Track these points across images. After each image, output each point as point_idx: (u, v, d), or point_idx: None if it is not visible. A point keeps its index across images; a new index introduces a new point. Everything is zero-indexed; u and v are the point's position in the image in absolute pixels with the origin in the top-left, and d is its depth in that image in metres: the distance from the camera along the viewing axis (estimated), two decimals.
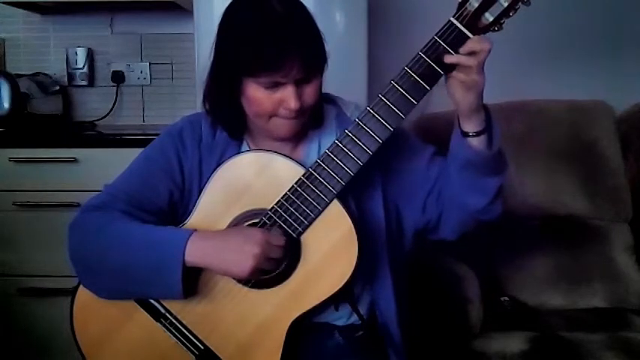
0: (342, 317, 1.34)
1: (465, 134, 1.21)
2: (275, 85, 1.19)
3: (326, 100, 1.35)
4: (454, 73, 1.16)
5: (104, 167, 1.86)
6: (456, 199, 1.28)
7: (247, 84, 1.20)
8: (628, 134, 2.19)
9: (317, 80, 1.23)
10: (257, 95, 1.20)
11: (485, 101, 1.21)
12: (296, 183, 1.21)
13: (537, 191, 2.09)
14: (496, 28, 1.17)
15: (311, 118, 1.29)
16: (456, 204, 1.29)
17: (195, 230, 1.20)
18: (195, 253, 1.17)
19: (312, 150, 1.33)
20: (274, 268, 1.21)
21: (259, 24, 1.17)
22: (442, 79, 1.18)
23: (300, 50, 1.17)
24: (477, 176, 1.24)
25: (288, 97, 1.19)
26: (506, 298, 1.99)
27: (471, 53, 1.14)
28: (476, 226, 1.35)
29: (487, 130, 1.22)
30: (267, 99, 1.20)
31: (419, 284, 1.59)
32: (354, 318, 1.33)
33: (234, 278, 1.23)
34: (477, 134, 1.21)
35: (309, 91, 1.22)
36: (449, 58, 1.15)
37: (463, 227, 1.34)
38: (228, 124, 1.31)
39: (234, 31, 1.21)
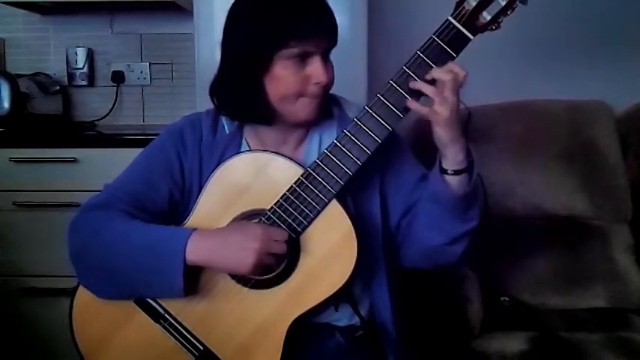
0: (344, 318, 1.34)
1: (443, 171, 1.21)
2: (303, 59, 1.21)
3: (329, 100, 1.35)
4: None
5: (104, 167, 1.85)
6: (417, 228, 1.29)
7: (276, 62, 1.21)
8: (628, 134, 2.19)
9: (330, 60, 1.26)
10: (286, 73, 1.21)
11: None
12: (295, 183, 1.21)
13: (537, 191, 2.09)
14: (494, 27, 1.18)
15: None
16: (416, 232, 1.29)
17: (196, 229, 1.20)
18: (196, 251, 1.17)
19: (313, 150, 1.33)
20: (277, 264, 1.21)
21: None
22: None
23: (328, 18, 1.23)
24: (440, 214, 1.24)
25: (317, 70, 1.21)
26: (506, 298, 1.99)
27: (434, 81, 1.16)
28: (432, 267, 1.35)
29: (468, 171, 1.21)
30: (295, 76, 1.21)
31: (419, 284, 1.59)
32: (356, 319, 1.33)
33: (235, 276, 1.24)
34: (455, 173, 1.21)
35: (331, 68, 1.25)
36: (413, 84, 1.17)
37: (419, 261, 1.34)
38: (254, 111, 1.28)
39: (257, 10, 1.22)
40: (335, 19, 1.25)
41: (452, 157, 1.20)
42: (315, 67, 1.21)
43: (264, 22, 1.20)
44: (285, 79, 1.22)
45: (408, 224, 1.32)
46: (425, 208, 1.27)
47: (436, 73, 1.16)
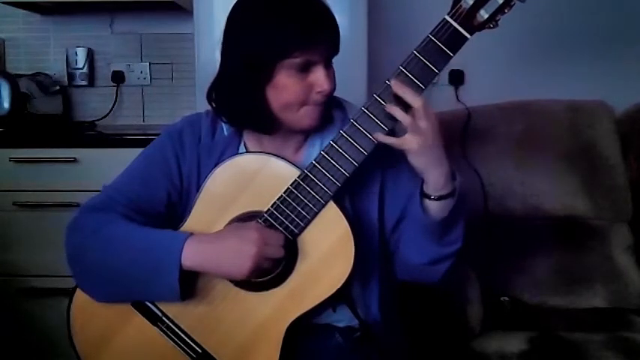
0: (343, 319, 1.33)
1: (425, 195, 1.20)
2: (306, 68, 1.19)
3: (333, 103, 1.34)
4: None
5: (104, 167, 1.85)
6: (402, 244, 1.29)
7: (279, 71, 1.19)
8: (628, 134, 2.18)
9: (332, 67, 1.25)
10: (288, 82, 1.20)
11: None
12: (292, 184, 1.20)
13: (537, 191, 2.08)
14: (491, 26, 1.17)
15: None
16: (401, 248, 1.29)
17: (192, 234, 1.20)
18: (192, 257, 1.17)
19: (313, 155, 1.30)
20: (274, 266, 1.21)
21: (287, 7, 1.19)
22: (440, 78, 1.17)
23: (331, 27, 1.21)
24: (420, 235, 1.24)
25: (320, 79, 1.20)
26: (506, 298, 1.99)
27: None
28: (417, 283, 1.34)
29: (451, 197, 1.19)
30: (298, 85, 1.20)
31: (419, 284, 1.59)
32: (354, 320, 1.32)
33: (233, 280, 1.23)
34: (438, 198, 1.19)
35: (333, 76, 1.24)
36: (389, 109, 1.15)
37: (406, 273, 1.34)
38: (255, 120, 1.27)
39: (260, 18, 1.20)
40: (338, 27, 1.23)
41: (432, 182, 1.18)
42: (318, 76, 1.20)
43: (267, 30, 1.18)
44: (288, 88, 1.20)
45: (397, 237, 1.32)
46: (407, 226, 1.27)
47: (409, 97, 1.14)
